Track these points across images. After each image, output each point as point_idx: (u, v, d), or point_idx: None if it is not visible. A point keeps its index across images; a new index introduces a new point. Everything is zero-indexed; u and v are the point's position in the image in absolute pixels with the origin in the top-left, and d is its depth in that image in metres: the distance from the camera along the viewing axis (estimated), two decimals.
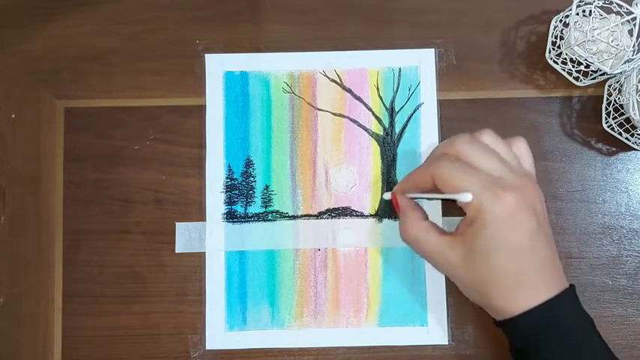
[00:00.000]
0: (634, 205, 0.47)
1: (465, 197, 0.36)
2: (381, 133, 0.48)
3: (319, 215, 0.47)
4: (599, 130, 0.47)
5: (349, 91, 0.48)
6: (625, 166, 0.47)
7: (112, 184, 0.47)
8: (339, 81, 0.48)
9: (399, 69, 0.48)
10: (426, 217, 0.41)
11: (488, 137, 0.39)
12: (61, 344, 0.46)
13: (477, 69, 0.48)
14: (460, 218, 0.38)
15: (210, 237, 0.47)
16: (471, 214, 0.36)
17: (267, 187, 0.47)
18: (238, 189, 0.47)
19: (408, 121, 0.48)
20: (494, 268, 0.36)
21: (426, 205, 0.46)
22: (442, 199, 0.41)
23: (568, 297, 0.37)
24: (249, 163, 0.47)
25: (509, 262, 0.36)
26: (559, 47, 0.47)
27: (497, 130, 0.41)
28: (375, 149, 0.47)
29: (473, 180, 0.36)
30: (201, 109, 0.48)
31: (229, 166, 0.47)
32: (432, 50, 0.48)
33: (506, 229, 0.35)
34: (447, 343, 0.46)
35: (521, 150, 0.40)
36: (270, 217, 0.47)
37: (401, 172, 0.47)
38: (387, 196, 0.44)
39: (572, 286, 0.38)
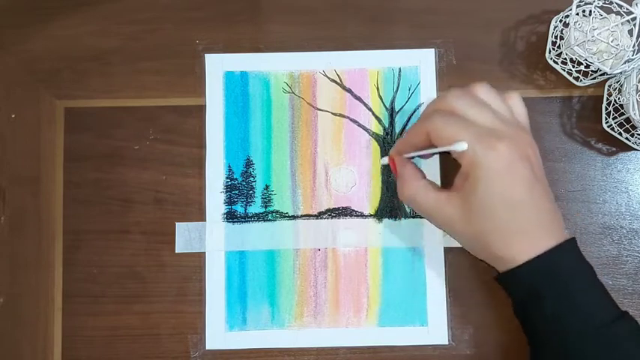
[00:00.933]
0: (634, 205, 0.47)
1: (459, 146, 0.36)
2: (381, 133, 0.48)
3: (319, 215, 0.47)
4: (599, 130, 0.47)
5: (349, 91, 0.48)
6: (625, 166, 0.47)
7: (112, 184, 0.47)
8: (339, 81, 0.48)
9: (399, 69, 0.48)
10: (424, 177, 0.41)
11: (481, 90, 0.39)
12: (61, 344, 0.46)
13: (477, 69, 0.48)
14: None
15: (210, 237, 0.47)
16: (466, 168, 0.36)
17: (267, 187, 0.47)
18: (238, 189, 0.47)
19: (408, 121, 0.48)
20: (493, 220, 0.36)
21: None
22: (439, 153, 0.41)
23: (568, 247, 0.37)
24: (249, 163, 0.47)
25: (507, 213, 0.36)
26: (559, 47, 0.47)
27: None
28: (375, 149, 0.47)
29: (466, 131, 0.36)
30: (201, 109, 0.48)
31: (229, 166, 0.47)
32: (432, 50, 0.48)
33: (501, 180, 0.35)
34: (447, 343, 0.46)
35: (515, 103, 0.40)
36: (270, 217, 0.47)
37: None
38: (385, 160, 0.44)
39: (573, 238, 0.38)
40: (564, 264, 0.37)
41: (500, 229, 0.36)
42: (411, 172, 0.41)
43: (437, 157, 0.47)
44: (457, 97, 0.38)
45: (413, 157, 0.42)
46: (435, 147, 0.38)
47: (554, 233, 0.37)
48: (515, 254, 0.37)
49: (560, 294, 0.36)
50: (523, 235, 0.36)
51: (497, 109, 0.38)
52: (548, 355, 0.37)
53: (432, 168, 0.47)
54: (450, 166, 0.41)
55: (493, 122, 0.37)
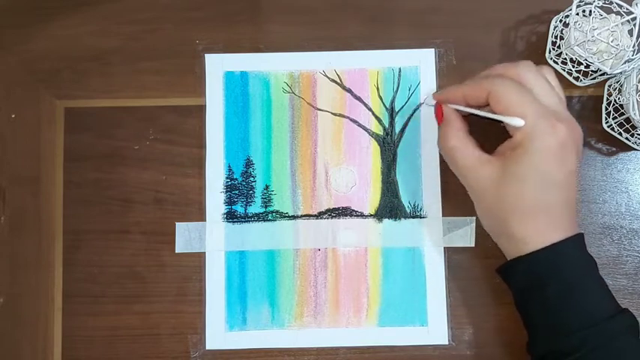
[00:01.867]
0: (634, 205, 0.47)
1: (517, 122, 0.36)
2: (381, 133, 0.48)
3: (319, 215, 0.47)
4: (599, 130, 0.47)
5: (349, 91, 0.48)
6: (625, 166, 0.47)
7: (112, 184, 0.47)
8: (339, 81, 0.48)
9: (399, 69, 0.48)
10: (468, 131, 0.41)
11: (549, 73, 0.40)
12: (61, 344, 0.46)
13: (477, 69, 0.48)
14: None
15: (210, 237, 0.47)
16: (518, 139, 0.37)
17: (267, 187, 0.47)
18: (238, 189, 0.47)
19: (408, 121, 0.48)
20: (525, 195, 0.36)
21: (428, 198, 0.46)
22: (489, 119, 0.40)
23: (578, 241, 0.38)
24: (249, 163, 0.47)
25: (541, 192, 0.36)
26: (559, 47, 0.47)
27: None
28: (375, 149, 0.47)
29: (531, 105, 0.37)
30: (201, 109, 0.48)
31: (229, 166, 0.47)
32: (432, 50, 0.48)
33: (550, 159, 0.36)
34: (447, 343, 0.46)
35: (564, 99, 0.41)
36: (270, 217, 0.47)
37: (401, 172, 0.47)
38: (430, 101, 0.43)
39: (582, 233, 0.38)
40: (572, 256, 0.37)
41: (527, 206, 0.37)
42: (459, 122, 0.41)
43: (437, 160, 0.47)
44: (528, 70, 0.38)
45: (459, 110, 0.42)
46: (487, 109, 0.38)
47: (571, 225, 0.38)
48: (529, 236, 0.37)
49: (562, 285, 0.37)
50: (546, 217, 0.37)
51: (560, 94, 0.39)
52: (546, 346, 0.37)
53: (432, 171, 0.47)
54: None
55: (557, 105, 0.38)
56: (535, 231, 0.37)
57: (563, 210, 0.37)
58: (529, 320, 0.39)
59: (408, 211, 0.47)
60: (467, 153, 0.39)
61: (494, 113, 0.38)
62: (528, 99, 0.37)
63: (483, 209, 0.39)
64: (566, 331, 0.36)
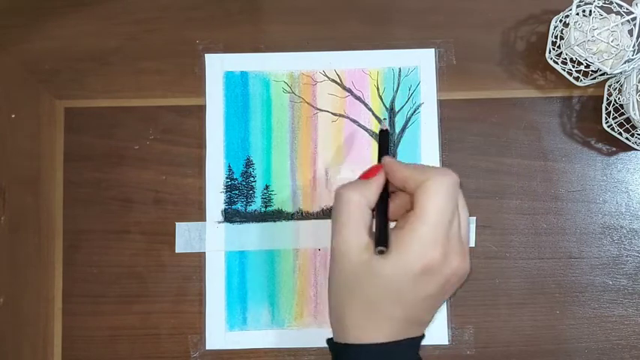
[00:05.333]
0: (634, 205, 0.47)
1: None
2: None
3: (319, 215, 0.47)
4: (599, 130, 0.47)
5: (349, 91, 0.48)
6: (625, 166, 0.47)
7: (112, 184, 0.47)
8: (339, 81, 0.48)
9: (399, 69, 0.48)
10: (372, 217, 0.38)
11: (461, 198, 0.37)
12: (61, 344, 0.46)
13: (477, 69, 0.48)
14: None
15: (210, 237, 0.47)
16: (407, 235, 0.34)
17: (267, 187, 0.47)
18: (238, 189, 0.47)
19: (408, 121, 0.48)
20: (372, 295, 0.34)
21: None
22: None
23: (415, 343, 0.36)
24: (249, 163, 0.47)
25: (384, 301, 0.34)
26: (559, 47, 0.47)
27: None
28: (375, 149, 0.47)
29: (439, 224, 0.34)
30: (201, 109, 0.48)
31: (229, 166, 0.47)
32: (432, 50, 0.48)
33: (407, 279, 0.34)
34: (447, 343, 0.46)
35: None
36: (270, 217, 0.47)
37: None
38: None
39: (417, 337, 0.36)
40: (404, 355, 0.35)
41: (366, 303, 0.35)
42: (378, 191, 0.37)
43: (437, 160, 0.47)
44: (455, 184, 0.35)
45: None
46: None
47: (399, 334, 0.35)
48: (372, 332, 0.35)
49: None
50: (375, 322, 0.35)
51: (463, 227, 0.37)
52: None
53: None
54: None
55: (463, 236, 0.36)
56: (358, 329, 0.35)
57: (397, 323, 0.35)
58: None
59: None
60: (356, 217, 0.35)
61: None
62: (433, 211, 0.34)
63: (334, 283, 0.36)
64: None
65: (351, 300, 0.35)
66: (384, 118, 0.47)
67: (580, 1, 0.44)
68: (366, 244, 0.35)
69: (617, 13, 0.45)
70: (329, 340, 0.37)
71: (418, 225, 0.34)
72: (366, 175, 0.38)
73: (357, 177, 0.38)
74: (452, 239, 0.35)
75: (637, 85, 0.43)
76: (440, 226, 0.34)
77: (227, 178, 0.47)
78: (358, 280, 0.35)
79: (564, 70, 0.47)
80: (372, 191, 0.37)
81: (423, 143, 0.47)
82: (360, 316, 0.35)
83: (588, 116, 0.48)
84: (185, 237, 0.47)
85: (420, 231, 0.34)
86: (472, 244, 0.46)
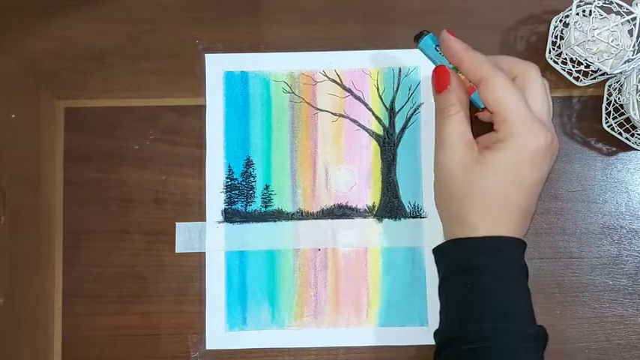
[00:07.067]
0: (634, 205, 0.47)
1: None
2: (381, 133, 0.48)
3: (319, 215, 0.47)
4: (599, 130, 0.47)
5: (349, 91, 0.48)
6: (625, 166, 0.47)
7: (112, 184, 0.47)
8: (339, 81, 0.48)
9: (399, 69, 0.48)
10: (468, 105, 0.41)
11: (547, 87, 0.41)
12: (61, 344, 0.46)
13: None
14: None
15: (210, 237, 0.47)
16: (501, 135, 0.38)
17: (267, 187, 0.47)
18: (238, 189, 0.47)
19: (408, 121, 0.48)
20: (492, 188, 0.38)
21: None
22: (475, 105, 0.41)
23: (522, 245, 0.39)
24: (249, 163, 0.47)
25: (507, 190, 0.38)
26: (559, 47, 0.47)
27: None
28: (375, 149, 0.47)
29: (520, 107, 0.38)
30: (201, 109, 0.48)
31: (229, 166, 0.47)
32: None
33: (525, 162, 0.38)
34: None
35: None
36: (270, 217, 0.47)
37: (401, 172, 0.47)
38: (446, 35, 0.40)
39: (525, 242, 0.40)
40: (513, 255, 0.38)
41: (490, 198, 0.38)
42: (463, 93, 0.40)
43: None
44: (534, 75, 0.40)
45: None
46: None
47: (521, 228, 0.39)
48: (482, 225, 0.38)
49: (496, 275, 0.37)
50: (503, 213, 0.38)
51: (550, 107, 0.41)
52: (455, 331, 0.38)
53: None
54: None
55: (546, 114, 0.40)
56: (488, 222, 0.38)
57: (520, 212, 0.39)
58: (449, 303, 0.40)
59: (408, 211, 0.47)
60: (456, 124, 0.39)
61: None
62: (519, 99, 0.38)
63: (443, 187, 0.40)
64: (480, 320, 0.37)
65: (472, 199, 0.38)
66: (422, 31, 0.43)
67: (580, 1, 0.44)
68: (472, 142, 0.39)
69: (617, 13, 0.45)
70: (437, 246, 0.41)
71: (527, 111, 0.38)
72: (440, 87, 0.41)
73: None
74: (549, 121, 0.40)
75: (637, 85, 0.43)
76: (545, 109, 0.40)
77: (227, 178, 0.47)
78: (477, 176, 0.38)
79: (564, 70, 0.47)
80: (461, 96, 0.40)
81: (423, 143, 0.47)
82: (485, 209, 0.38)
83: (588, 116, 0.48)
84: (185, 237, 0.47)
85: (530, 115, 0.38)
86: None
